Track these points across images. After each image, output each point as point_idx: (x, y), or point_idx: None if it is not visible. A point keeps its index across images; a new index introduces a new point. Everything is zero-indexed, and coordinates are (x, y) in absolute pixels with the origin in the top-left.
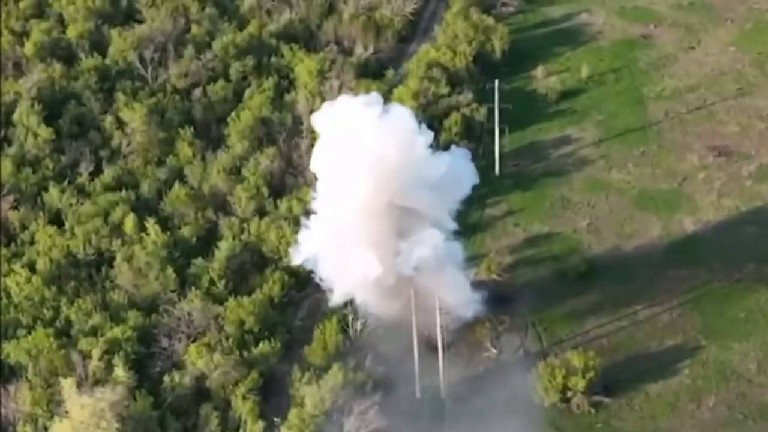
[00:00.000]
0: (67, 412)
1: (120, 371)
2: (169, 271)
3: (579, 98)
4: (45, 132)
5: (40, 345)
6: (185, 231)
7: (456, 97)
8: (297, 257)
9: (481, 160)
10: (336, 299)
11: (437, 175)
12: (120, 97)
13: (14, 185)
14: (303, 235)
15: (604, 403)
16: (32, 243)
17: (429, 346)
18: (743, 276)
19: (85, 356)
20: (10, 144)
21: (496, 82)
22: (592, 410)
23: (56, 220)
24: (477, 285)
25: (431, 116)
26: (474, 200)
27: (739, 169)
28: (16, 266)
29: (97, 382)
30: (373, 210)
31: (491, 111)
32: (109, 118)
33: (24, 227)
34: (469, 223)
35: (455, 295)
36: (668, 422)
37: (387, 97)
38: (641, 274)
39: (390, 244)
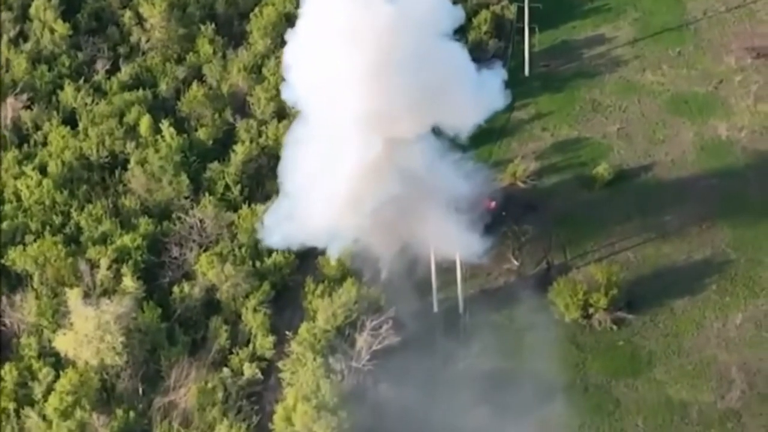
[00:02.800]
0: (72, 324)
1: (128, 281)
2: (183, 176)
3: None
4: (62, 27)
5: (48, 252)
6: (202, 133)
7: None
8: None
9: (511, 60)
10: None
11: (462, 79)
12: None
13: (28, 83)
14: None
15: (627, 320)
16: (45, 144)
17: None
18: None
19: (94, 265)
20: (26, 39)
21: None
22: (615, 327)
23: (71, 120)
24: (501, 192)
25: None
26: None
27: None
28: (27, 168)
29: (105, 293)
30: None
31: (522, 10)
32: (128, 13)
33: (37, 127)
34: (495, 126)
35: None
36: (692, 341)
37: None
38: (671, 182)
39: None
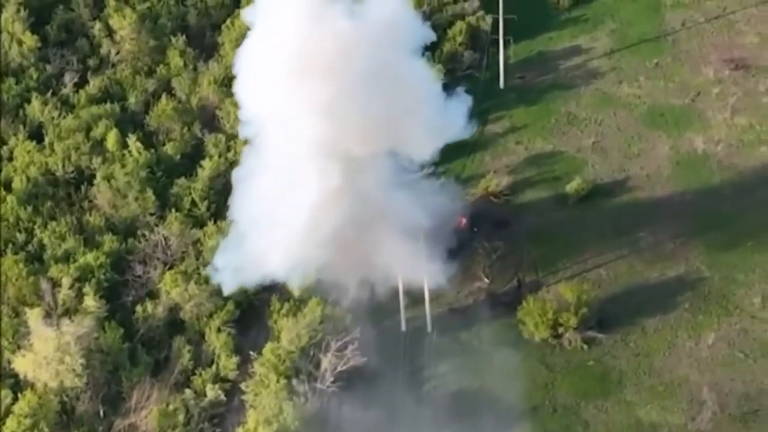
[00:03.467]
0: (32, 345)
1: (90, 301)
2: (149, 192)
3: (593, 5)
4: (30, 39)
5: (9, 271)
6: (169, 148)
7: (462, 4)
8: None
9: (486, 71)
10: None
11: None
12: (110, 1)
13: None
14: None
15: (598, 339)
16: (11, 159)
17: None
18: (753, 201)
19: (56, 284)
20: None
21: None
22: (585, 346)
23: (37, 134)
24: (473, 207)
25: (435, 25)
26: (475, 115)
27: (756, 84)
28: None
29: (68, 312)
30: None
31: (497, 21)
32: (98, 25)
33: (3, 142)
34: (468, 141)
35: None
36: (664, 360)
37: None
38: (646, 198)
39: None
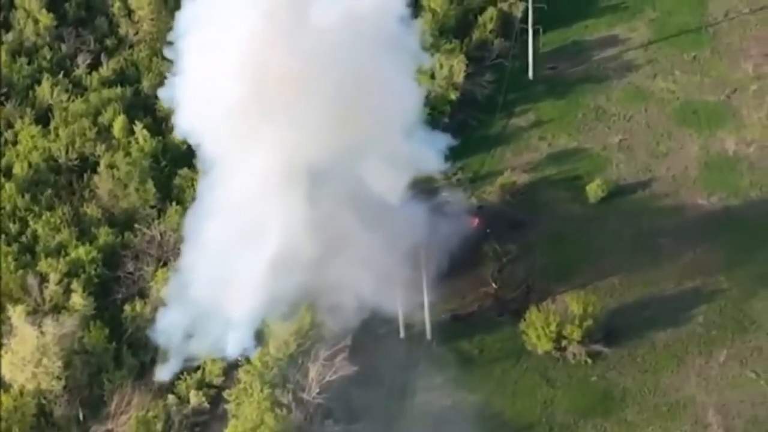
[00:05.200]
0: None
1: (77, 298)
2: (149, 184)
3: None
4: (46, 18)
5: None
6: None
7: None
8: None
9: (515, 62)
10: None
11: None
12: None
13: (6, 77)
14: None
15: (604, 353)
16: (15, 143)
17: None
18: None
19: (44, 279)
20: (8, 29)
21: None
22: (589, 360)
23: (44, 118)
24: (486, 208)
25: (466, 10)
26: (501, 107)
27: None
28: None
29: (56, 308)
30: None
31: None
32: (117, 4)
33: (9, 125)
34: (490, 133)
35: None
36: (671, 378)
37: None
38: (669, 201)
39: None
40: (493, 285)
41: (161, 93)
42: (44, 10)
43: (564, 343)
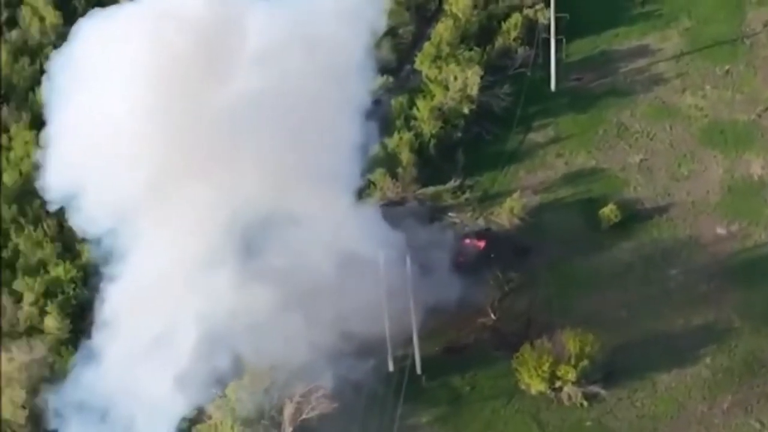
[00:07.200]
0: None
1: (50, 320)
2: None
3: None
4: (52, 16)
5: None
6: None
7: None
8: None
9: (537, 72)
10: None
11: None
12: None
13: (7, 78)
14: None
15: (601, 396)
16: (9, 149)
17: None
18: None
19: (19, 299)
20: (13, 27)
21: None
22: (585, 403)
23: (42, 122)
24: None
25: (490, 16)
26: (518, 121)
27: None
28: None
29: (32, 330)
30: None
31: (555, 19)
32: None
33: (6, 129)
34: (505, 149)
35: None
36: (670, 425)
37: None
38: (686, 229)
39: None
40: (492, 316)
41: None
42: (50, 7)
43: (558, 383)
